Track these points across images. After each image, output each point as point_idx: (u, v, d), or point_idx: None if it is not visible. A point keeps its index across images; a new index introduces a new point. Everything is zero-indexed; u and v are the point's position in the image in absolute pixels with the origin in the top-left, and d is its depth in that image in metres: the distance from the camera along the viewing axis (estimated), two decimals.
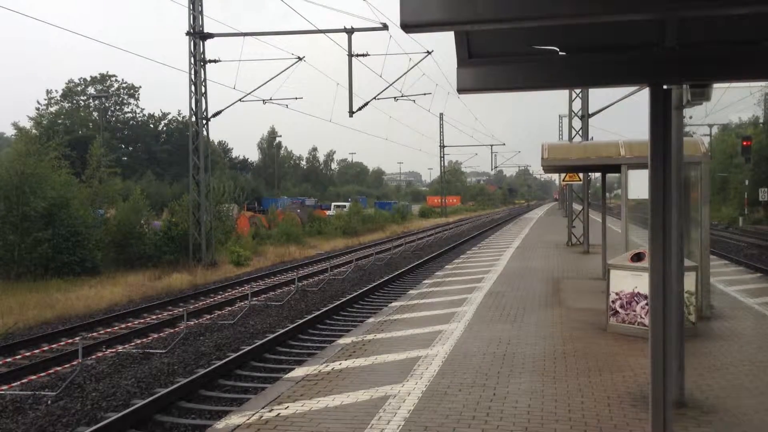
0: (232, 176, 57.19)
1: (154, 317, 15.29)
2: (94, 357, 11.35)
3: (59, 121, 61.36)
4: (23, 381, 10.11)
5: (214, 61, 24.27)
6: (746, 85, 37.98)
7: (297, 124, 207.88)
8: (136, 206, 26.21)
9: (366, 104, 25.18)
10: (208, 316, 15.15)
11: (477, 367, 7.44)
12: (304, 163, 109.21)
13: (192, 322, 13.98)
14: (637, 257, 8.90)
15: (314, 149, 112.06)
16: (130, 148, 68.07)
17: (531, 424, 5.63)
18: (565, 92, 26.94)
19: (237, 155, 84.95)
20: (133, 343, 12.51)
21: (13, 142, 32.46)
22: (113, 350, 11.90)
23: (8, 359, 11.52)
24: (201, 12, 24.07)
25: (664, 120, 3.61)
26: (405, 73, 25.72)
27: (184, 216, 25.51)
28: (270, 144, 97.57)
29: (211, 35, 24.29)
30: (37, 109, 65.10)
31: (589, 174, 23.01)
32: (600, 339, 8.78)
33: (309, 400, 6.41)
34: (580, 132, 24.24)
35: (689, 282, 8.15)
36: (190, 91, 24.43)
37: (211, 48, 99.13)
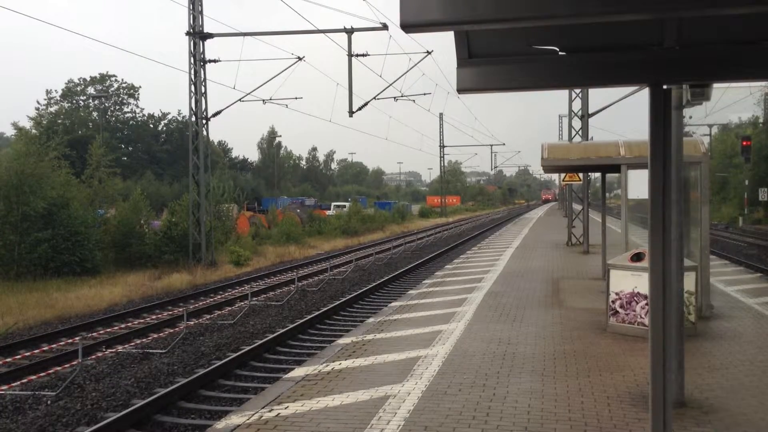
0: (232, 176, 57.24)
1: (153, 317, 15.29)
2: (93, 357, 11.35)
3: (59, 121, 61.36)
4: (23, 381, 10.11)
5: (214, 61, 24.28)
6: (746, 85, 37.98)
7: (297, 124, 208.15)
8: (136, 206, 26.21)
9: (366, 104, 25.19)
10: (208, 316, 15.15)
11: (477, 367, 7.44)
12: (303, 163, 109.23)
13: (192, 322, 13.98)
14: (637, 257, 8.90)
15: (314, 149, 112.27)
16: (130, 148, 68.02)
17: (531, 424, 5.63)
18: (565, 92, 26.95)
19: (237, 155, 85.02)
20: (132, 343, 12.51)
21: (13, 142, 32.46)
22: (113, 350, 11.90)
23: (8, 359, 11.52)
24: (201, 12, 24.07)
25: (664, 120, 3.61)
26: (405, 73, 25.76)
27: (184, 216, 25.51)
28: (270, 144, 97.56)
29: (210, 35, 24.29)
30: (37, 109, 65.12)
31: (589, 174, 23.02)
32: (600, 339, 8.78)
33: (309, 400, 6.41)
34: (580, 132, 24.25)
35: (689, 282, 8.15)
36: (190, 91, 24.43)
37: (211, 48, 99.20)
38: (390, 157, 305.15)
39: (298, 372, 7.56)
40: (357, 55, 23.74)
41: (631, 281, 8.89)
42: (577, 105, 24.79)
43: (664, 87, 3.59)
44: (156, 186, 51.98)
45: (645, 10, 2.57)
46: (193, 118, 24.82)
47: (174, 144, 67.39)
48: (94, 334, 13.58)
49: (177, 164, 62.46)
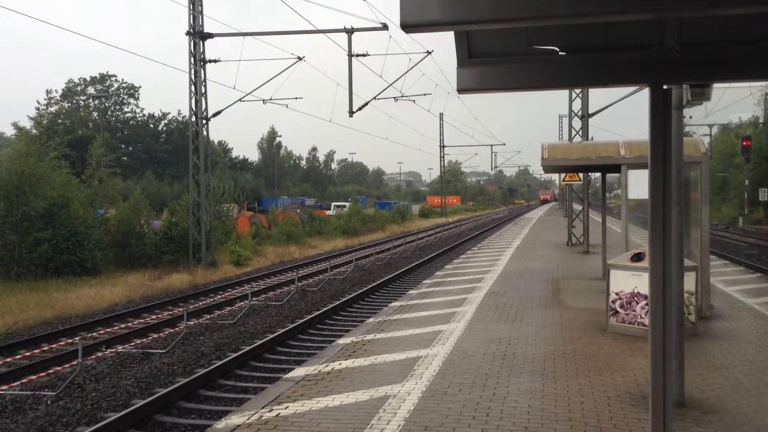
0: (232, 176, 57.25)
1: (153, 317, 15.29)
2: (94, 357, 11.35)
3: (59, 121, 61.43)
4: (23, 381, 10.11)
5: (214, 61, 24.28)
6: (746, 85, 38.00)
7: (297, 124, 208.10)
8: (136, 206, 26.22)
9: (366, 104, 25.19)
10: (208, 316, 15.15)
11: (477, 367, 7.44)
12: (304, 163, 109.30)
13: (192, 322, 13.98)
14: (637, 257, 8.90)
15: (314, 149, 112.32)
16: (130, 148, 68.08)
17: (531, 424, 5.63)
18: (565, 92, 26.94)
19: (237, 155, 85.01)
20: (132, 343, 12.51)
21: (13, 142, 32.45)
22: (113, 350, 11.90)
23: (8, 359, 11.52)
24: (201, 12, 24.07)
25: (664, 120, 3.61)
26: (405, 73, 25.76)
27: (184, 216, 25.51)
28: (270, 144, 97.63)
29: (211, 35, 24.29)
30: (37, 109, 65.23)
31: (589, 174, 23.01)
32: (600, 339, 8.78)
33: (309, 400, 6.41)
34: (580, 132, 24.24)
35: (689, 282, 8.15)
36: (190, 91, 24.43)
37: (211, 48, 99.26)
38: (390, 157, 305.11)
39: (298, 372, 7.56)
40: (357, 55, 23.75)
41: (631, 281, 8.88)
42: (577, 105, 24.78)
43: (664, 87, 3.59)
44: (156, 186, 52.05)
45: (645, 10, 2.57)
46: (193, 118, 24.82)
47: (174, 144, 67.42)
48: (94, 334, 13.58)
49: (177, 164, 62.50)
